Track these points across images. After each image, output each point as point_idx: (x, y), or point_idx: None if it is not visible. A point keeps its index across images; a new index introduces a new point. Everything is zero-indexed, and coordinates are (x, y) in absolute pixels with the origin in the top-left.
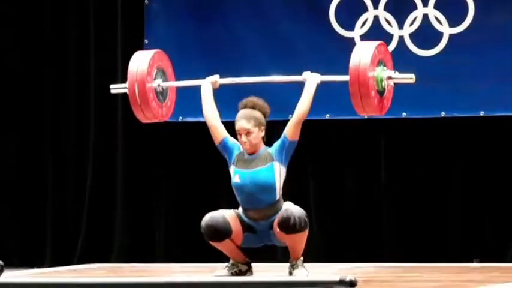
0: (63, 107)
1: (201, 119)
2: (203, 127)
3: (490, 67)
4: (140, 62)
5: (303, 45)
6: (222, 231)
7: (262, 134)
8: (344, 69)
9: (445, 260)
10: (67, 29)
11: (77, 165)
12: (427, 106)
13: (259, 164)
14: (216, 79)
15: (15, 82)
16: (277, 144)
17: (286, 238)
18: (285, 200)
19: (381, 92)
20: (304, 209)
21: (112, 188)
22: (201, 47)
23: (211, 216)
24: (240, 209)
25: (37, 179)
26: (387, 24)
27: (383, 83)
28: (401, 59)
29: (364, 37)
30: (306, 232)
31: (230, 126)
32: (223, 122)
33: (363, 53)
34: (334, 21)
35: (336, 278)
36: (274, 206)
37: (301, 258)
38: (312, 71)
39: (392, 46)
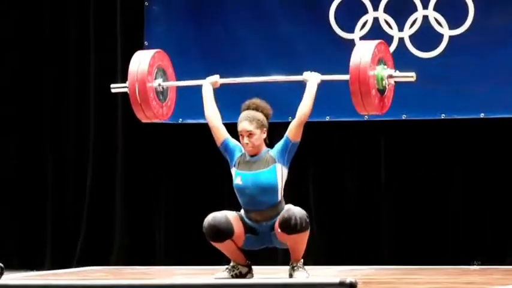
0: (63, 107)
1: (200, 121)
2: (203, 128)
3: (489, 69)
4: (141, 61)
5: (303, 47)
6: (224, 232)
7: (264, 135)
8: (344, 71)
9: (445, 261)
10: (67, 29)
11: (77, 165)
12: (426, 108)
13: (261, 166)
14: (216, 79)
15: (15, 82)
16: (279, 145)
17: (287, 239)
18: (286, 203)
19: (381, 91)
20: (305, 210)
21: (112, 188)
22: (201, 49)
23: (214, 216)
24: (242, 211)
25: (37, 179)
26: (387, 26)
27: (384, 82)
28: (401, 60)
29: (364, 39)
30: (307, 233)
31: (233, 128)
32: (225, 124)
33: (363, 52)
34: (334, 23)
35: (336, 280)
36: (276, 208)
37: (302, 260)
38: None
39: (392, 48)
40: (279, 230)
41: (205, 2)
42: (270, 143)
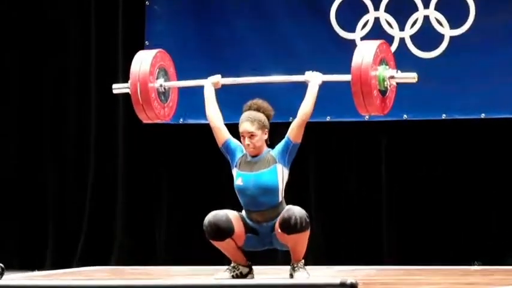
0: (64, 107)
1: (201, 121)
2: (204, 128)
3: (490, 69)
4: (142, 61)
5: (304, 46)
6: (224, 230)
7: (266, 136)
8: (345, 71)
9: (446, 262)
10: (68, 28)
11: (77, 165)
12: (427, 108)
13: (262, 167)
14: (217, 79)
15: (15, 82)
16: (280, 146)
17: (287, 239)
18: (287, 203)
19: (383, 92)
20: (305, 211)
21: (113, 188)
22: (202, 49)
23: (215, 215)
24: (243, 212)
25: (37, 179)
26: (388, 26)
27: (385, 83)
28: (402, 60)
29: (365, 39)
30: (307, 233)
31: (234, 129)
32: (226, 124)
33: (365, 52)
34: (335, 23)
35: (337, 281)
36: (277, 209)
37: (302, 260)
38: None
39: (393, 48)
40: (279, 230)
41: (206, 1)
42: (271, 143)
